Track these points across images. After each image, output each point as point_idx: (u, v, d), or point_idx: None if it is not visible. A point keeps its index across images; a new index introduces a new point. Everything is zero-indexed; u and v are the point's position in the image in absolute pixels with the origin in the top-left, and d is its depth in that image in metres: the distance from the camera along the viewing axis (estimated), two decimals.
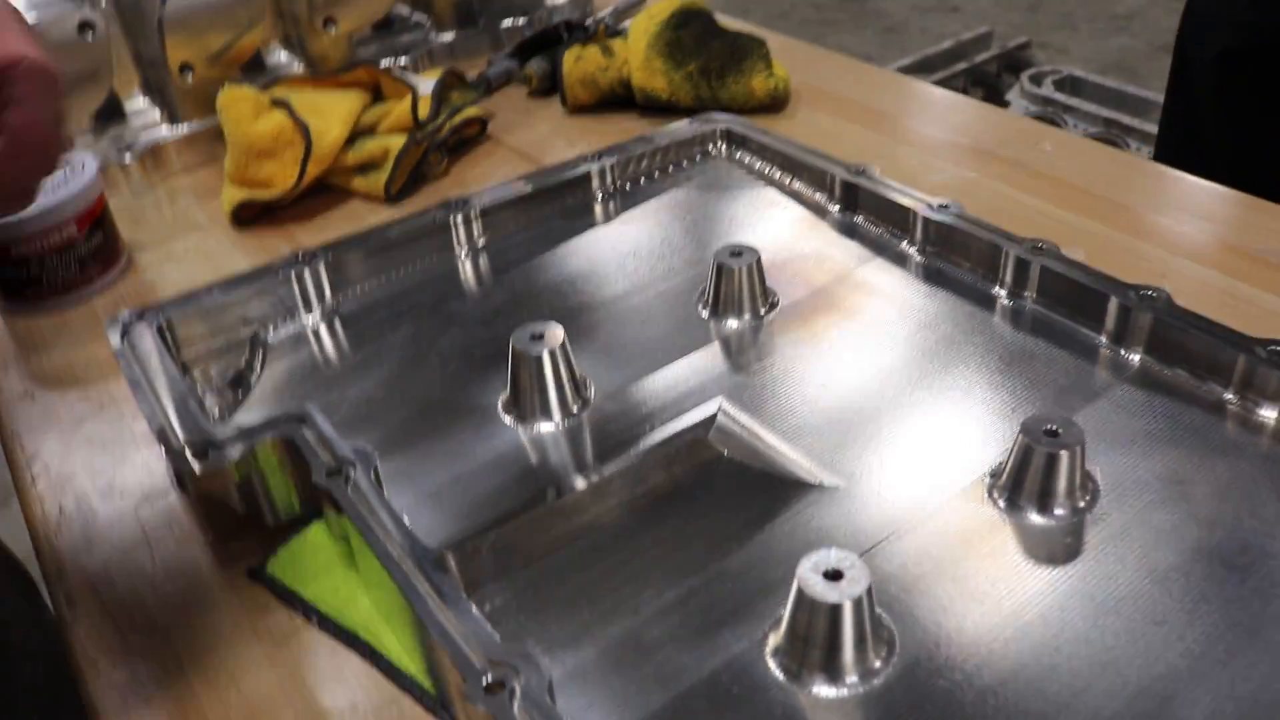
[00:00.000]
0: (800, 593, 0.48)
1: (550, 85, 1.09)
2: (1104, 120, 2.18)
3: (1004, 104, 2.39)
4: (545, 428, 0.65)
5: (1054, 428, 0.56)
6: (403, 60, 1.15)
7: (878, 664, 0.49)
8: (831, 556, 0.49)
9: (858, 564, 0.48)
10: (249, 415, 0.69)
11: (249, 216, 0.96)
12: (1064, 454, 0.55)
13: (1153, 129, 2.13)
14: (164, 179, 1.05)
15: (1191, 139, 1.27)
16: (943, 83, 2.46)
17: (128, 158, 1.03)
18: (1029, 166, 0.91)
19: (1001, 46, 2.56)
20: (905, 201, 0.78)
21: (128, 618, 0.58)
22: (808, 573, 0.48)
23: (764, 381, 0.67)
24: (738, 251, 0.73)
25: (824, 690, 0.48)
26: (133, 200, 1.03)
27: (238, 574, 0.60)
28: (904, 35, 3.54)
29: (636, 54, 1.01)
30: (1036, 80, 2.34)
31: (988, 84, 2.48)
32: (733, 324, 0.73)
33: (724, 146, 0.93)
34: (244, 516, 0.63)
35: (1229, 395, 0.63)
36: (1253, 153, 1.20)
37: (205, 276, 0.77)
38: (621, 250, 0.82)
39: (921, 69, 2.52)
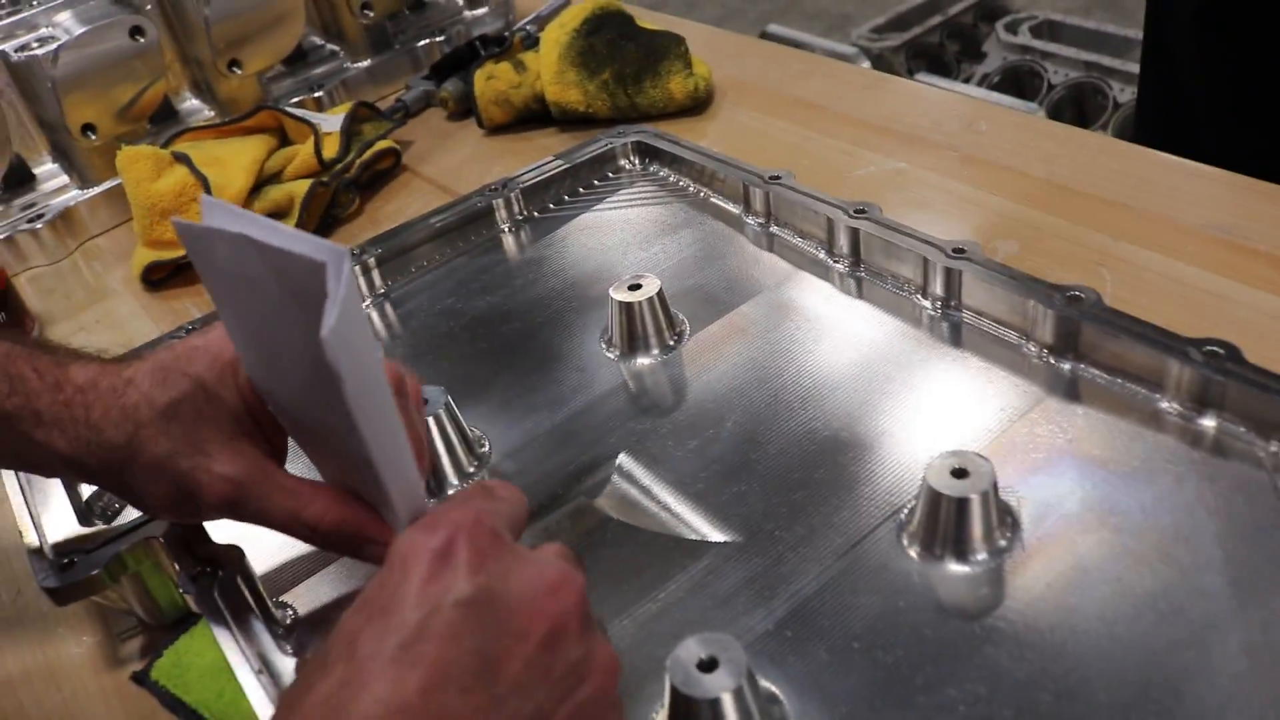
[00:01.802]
0: (674, 689, 0.44)
1: (468, 106, 1.04)
2: (1084, 64, 2.10)
3: (981, 55, 2.31)
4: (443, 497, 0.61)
5: (962, 467, 0.52)
6: (318, 93, 1.10)
7: None
8: (705, 642, 0.44)
9: (733, 646, 0.44)
10: None
11: (160, 278, 0.93)
12: (974, 498, 0.51)
13: (1136, 69, 2.04)
14: (79, 243, 1.02)
15: (1172, 106, 1.20)
16: (919, 39, 2.38)
17: (39, 225, 1.00)
18: (962, 150, 0.85)
19: None
20: (823, 209, 0.73)
21: None
22: (682, 664, 0.44)
23: (669, 426, 0.63)
24: (637, 284, 0.68)
25: None
26: (48, 268, 1.00)
27: (125, 679, 0.57)
28: None
29: (548, 67, 0.97)
30: (1012, 28, 2.26)
31: (965, 36, 2.40)
32: (639, 362, 0.68)
33: (637, 161, 0.88)
34: (133, 615, 0.60)
35: (1165, 404, 0.58)
36: (1238, 116, 1.12)
37: (114, 348, 0.74)
38: (528, 287, 0.78)
39: (897, 26, 2.44)
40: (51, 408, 0.49)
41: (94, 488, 0.67)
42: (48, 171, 1.06)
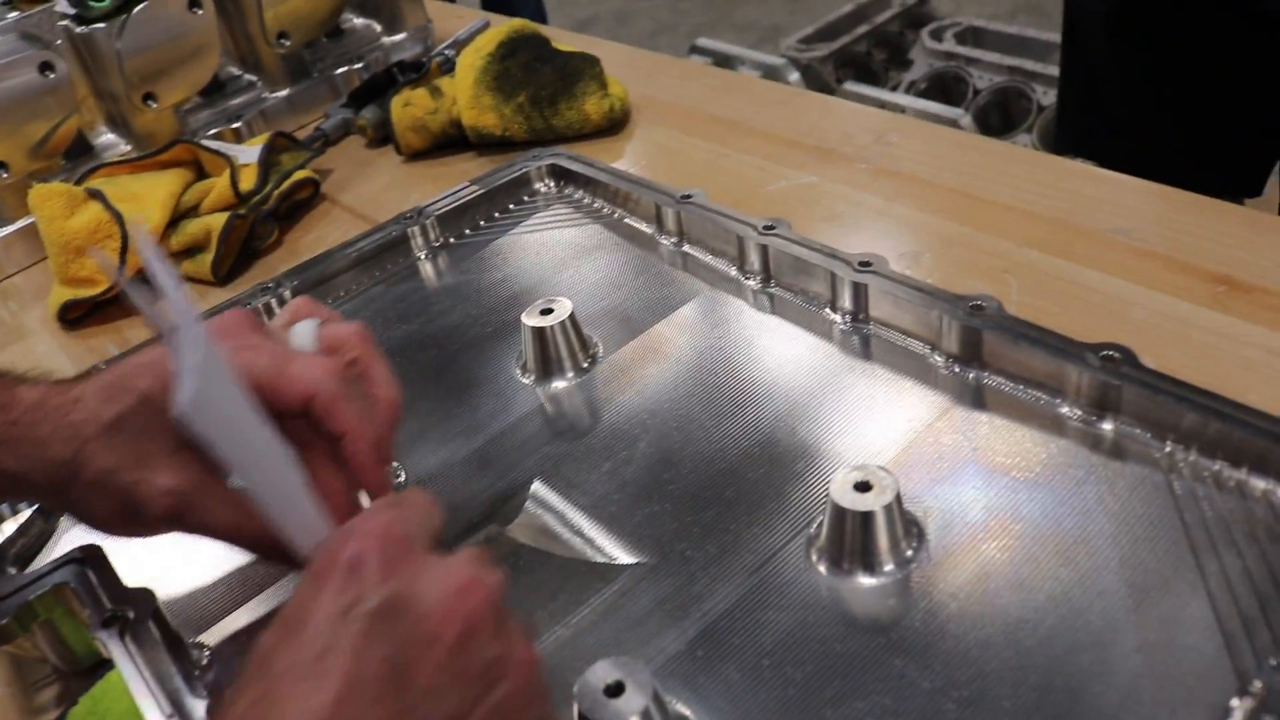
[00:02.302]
0: (583, 716, 0.44)
1: (386, 133, 1.04)
2: (1008, 69, 2.14)
3: (908, 63, 2.34)
4: None
5: (865, 480, 0.52)
6: (236, 124, 1.09)
7: None
8: (611, 668, 0.45)
9: (639, 670, 0.45)
10: (71, 538, 0.65)
11: (77, 316, 0.91)
12: (878, 511, 0.51)
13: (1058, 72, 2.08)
14: None
15: (1090, 108, 1.22)
16: (846, 49, 2.41)
17: None
18: (873, 162, 0.87)
19: (902, 4, 2.51)
20: (733, 227, 0.74)
21: None
22: (590, 689, 0.44)
23: (584, 449, 0.63)
24: (549, 308, 0.68)
25: None
26: None
27: None
28: (811, 3, 3.49)
29: (464, 91, 0.97)
30: (937, 35, 2.29)
31: (891, 44, 2.44)
32: (554, 385, 0.69)
33: (551, 184, 0.89)
34: (48, 663, 0.59)
35: (1066, 409, 0.59)
36: (1153, 117, 1.14)
37: None
38: (445, 314, 0.78)
39: (825, 36, 2.47)
40: (0, 428, 0.49)
41: (9, 532, 0.66)
42: None
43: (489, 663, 0.39)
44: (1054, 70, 2.09)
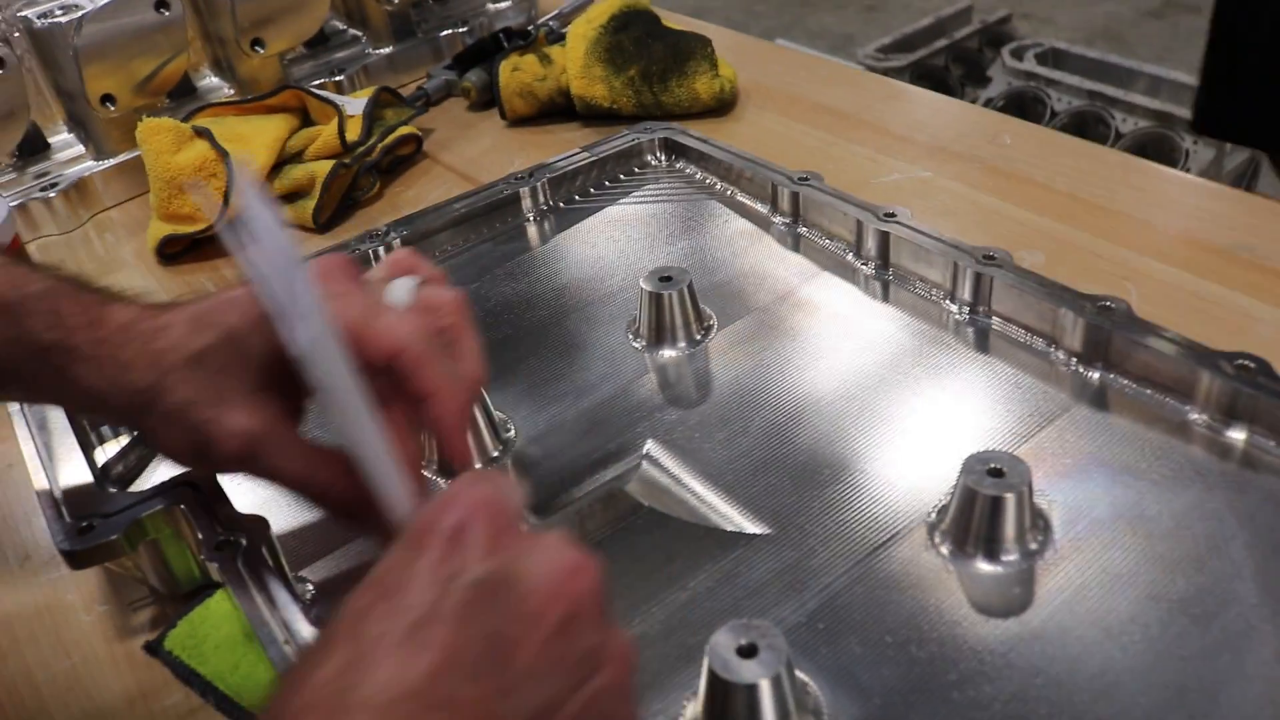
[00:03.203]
0: (712, 671, 0.44)
1: (490, 97, 1.04)
2: (1088, 93, 2.11)
3: (986, 80, 2.32)
4: None
5: (998, 466, 0.52)
6: (338, 78, 1.10)
7: None
8: (747, 628, 0.44)
9: (775, 635, 0.44)
10: (167, 467, 0.65)
11: (175, 251, 0.92)
12: (1009, 496, 0.51)
13: (1138, 100, 2.07)
14: (91, 214, 1.01)
15: (1236, 89, 1.21)
16: (924, 61, 2.39)
17: (52, 194, 0.99)
18: (986, 162, 0.86)
19: (982, 21, 2.49)
20: (852, 211, 0.73)
21: (16, 700, 0.55)
22: (719, 649, 0.44)
23: (695, 418, 0.63)
24: (667, 276, 0.68)
25: None
26: (59, 238, 0.99)
27: (136, 649, 0.56)
28: (886, 13, 3.47)
29: (575, 61, 0.97)
30: (1018, 54, 2.27)
31: (969, 60, 2.42)
32: (666, 354, 0.68)
33: (663, 157, 0.88)
34: (145, 584, 0.59)
35: (1194, 415, 0.58)
36: None
37: None
38: (553, 276, 0.78)
39: (902, 48, 2.45)
40: (87, 344, 0.48)
41: (111, 453, 0.66)
42: (62, 141, 1.05)
43: (589, 651, 0.37)
44: (1134, 98, 2.08)
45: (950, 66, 2.41)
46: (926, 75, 2.39)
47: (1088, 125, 2.12)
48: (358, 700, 0.32)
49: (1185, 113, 1.99)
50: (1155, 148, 2.01)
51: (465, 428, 0.50)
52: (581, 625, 0.36)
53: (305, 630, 0.50)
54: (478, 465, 0.61)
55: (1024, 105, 2.21)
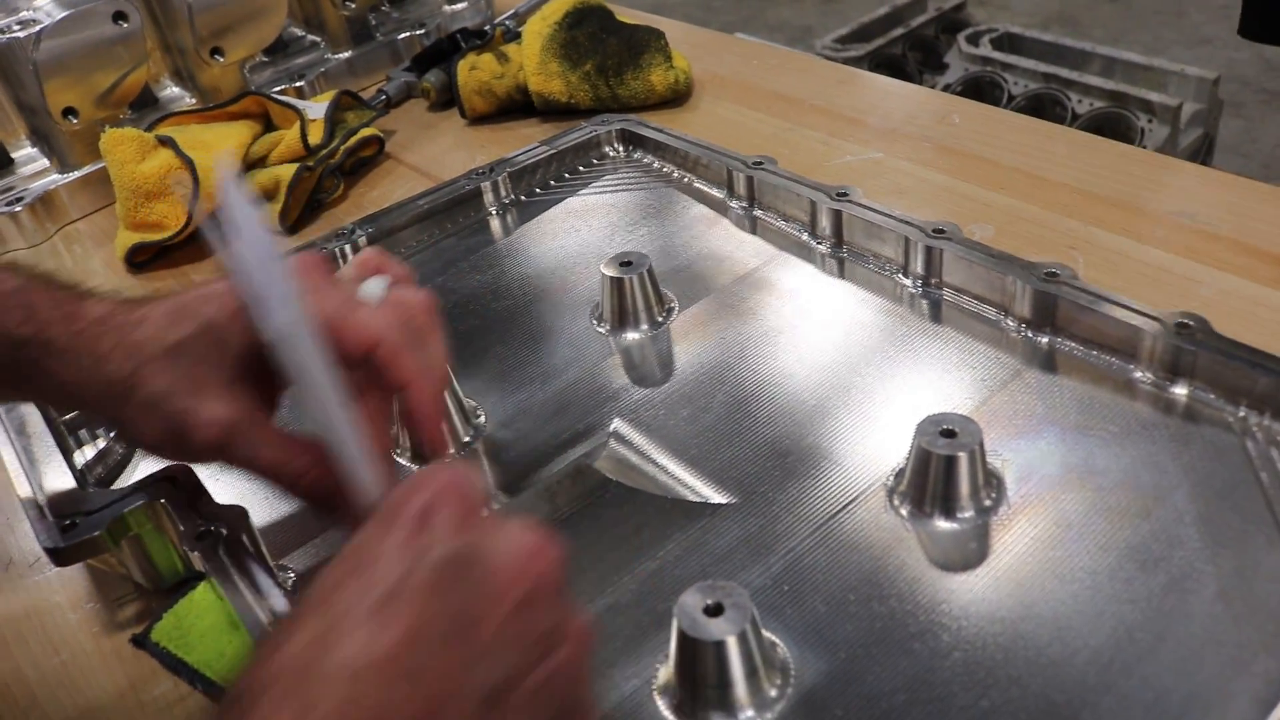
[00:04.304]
0: (681, 631, 0.45)
1: (449, 97, 1.05)
2: (1043, 75, 2.15)
3: (944, 67, 2.35)
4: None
5: (950, 428, 0.54)
6: (299, 83, 1.11)
7: (773, 693, 0.47)
8: (709, 590, 0.46)
9: (739, 594, 0.46)
10: (148, 464, 0.66)
11: (144, 260, 0.93)
12: (962, 455, 0.53)
13: (1093, 81, 2.10)
14: (59, 227, 1.02)
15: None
16: (881, 50, 2.42)
17: (18, 208, 0.99)
18: (936, 141, 0.88)
19: (938, 9, 2.52)
20: (805, 193, 0.75)
21: (8, 698, 0.56)
22: (686, 609, 0.46)
23: (660, 397, 0.65)
24: (627, 261, 0.70)
25: None
26: (27, 251, 1.00)
27: (123, 643, 0.57)
28: (843, 4, 3.50)
29: (531, 57, 0.98)
30: (973, 40, 2.31)
31: (926, 47, 2.45)
32: (629, 336, 0.70)
33: (621, 148, 0.90)
34: (129, 580, 0.60)
35: (1139, 373, 0.60)
36: None
37: None
38: (517, 266, 0.79)
39: (860, 38, 2.48)
40: (62, 338, 0.49)
41: (90, 456, 0.67)
42: (25, 155, 1.06)
43: (548, 629, 0.38)
44: (1090, 79, 2.11)
45: (908, 54, 2.44)
46: (884, 64, 2.42)
47: (1044, 108, 2.15)
48: (326, 669, 0.33)
49: (1139, 92, 2.03)
50: (1112, 128, 2.04)
51: (441, 416, 0.52)
52: (541, 604, 0.37)
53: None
54: (451, 451, 0.63)
55: (981, 90, 2.24)
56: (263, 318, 0.43)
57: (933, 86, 2.33)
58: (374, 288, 0.53)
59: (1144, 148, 1.95)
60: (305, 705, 0.33)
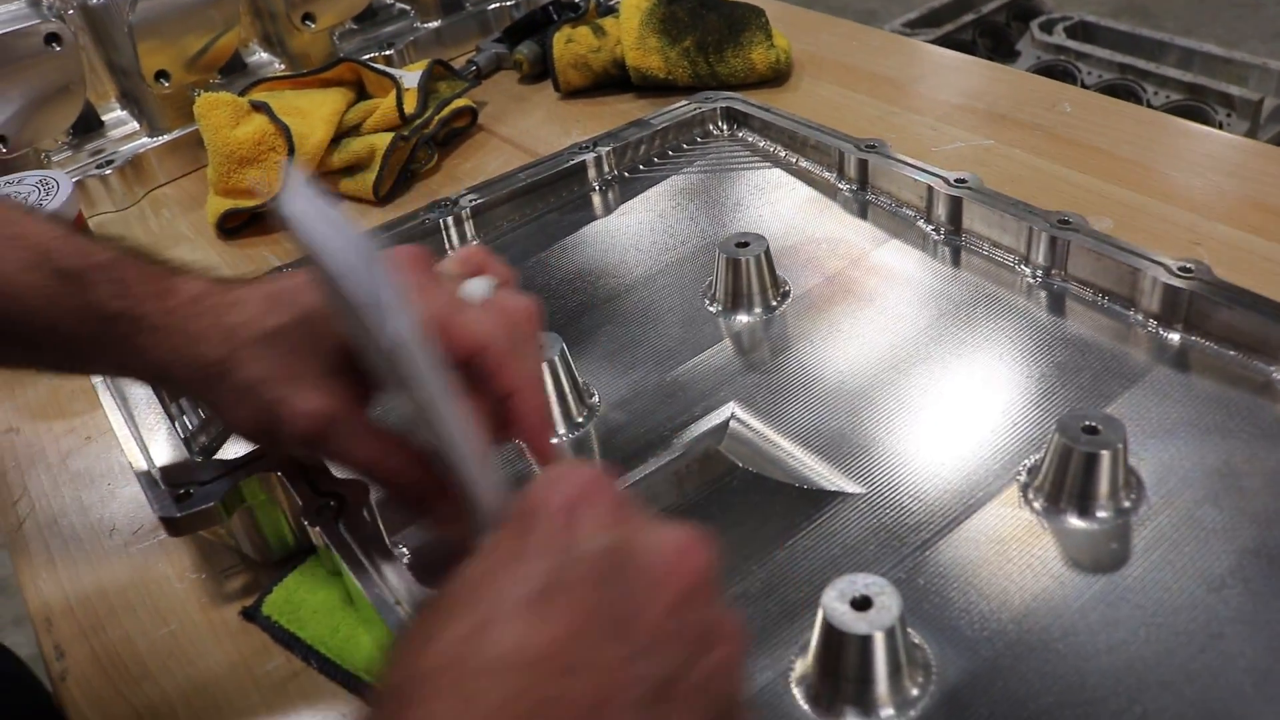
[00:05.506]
0: (827, 624, 0.44)
1: (542, 69, 1.04)
2: (1119, 66, 2.11)
3: (1014, 54, 2.31)
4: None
5: (1093, 424, 0.52)
6: (388, 52, 1.10)
7: (915, 692, 0.46)
8: (858, 582, 0.45)
9: (887, 589, 0.45)
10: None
11: (235, 226, 0.92)
12: (1104, 454, 0.51)
13: (1170, 72, 2.06)
14: (146, 190, 1.02)
15: None
16: (951, 35, 2.38)
17: (108, 170, 0.99)
18: (1047, 129, 0.86)
19: None
20: (920, 177, 0.74)
21: (119, 667, 0.55)
22: (833, 601, 0.45)
23: (778, 381, 0.63)
24: (744, 242, 0.68)
25: None
26: (115, 215, 1.00)
27: (232, 615, 0.57)
28: None
29: (629, 32, 0.97)
30: (1046, 28, 2.26)
31: (997, 34, 2.41)
32: (743, 319, 0.69)
33: (725, 126, 0.89)
34: (237, 552, 0.60)
35: (1278, 375, 0.58)
36: None
37: None
38: (623, 244, 0.78)
39: (928, 23, 2.44)
40: (154, 315, 0.48)
41: (193, 425, 0.67)
42: (115, 118, 1.06)
43: (706, 626, 0.36)
44: (1165, 70, 2.07)
45: (978, 40, 2.40)
46: (954, 48, 2.37)
47: (1118, 98, 2.10)
48: (486, 663, 0.32)
49: (1217, 85, 1.99)
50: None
51: (549, 425, 0.50)
52: (699, 601, 0.36)
53: (418, 592, 0.50)
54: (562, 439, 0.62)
55: (1053, 78, 2.20)
56: (372, 325, 0.39)
57: None
58: (478, 288, 0.51)
59: None
60: (466, 700, 0.31)
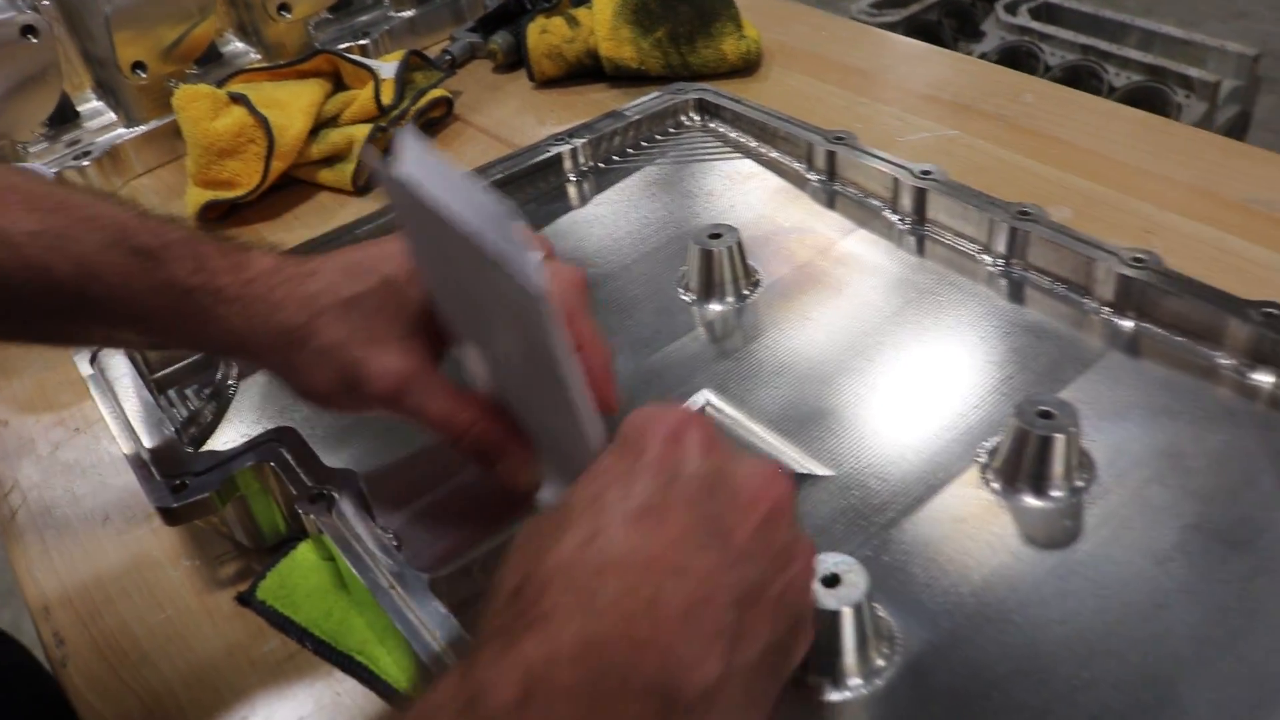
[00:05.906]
0: None
1: (516, 59, 1.06)
2: (1081, 47, 2.14)
3: (979, 35, 2.34)
4: None
5: (1048, 409, 0.55)
6: (363, 41, 1.11)
7: (880, 662, 0.49)
8: (828, 561, 0.48)
9: (855, 567, 0.47)
10: (232, 429, 0.68)
11: (215, 217, 0.94)
12: (1059, 437, 0.54)
13: (1131, 54, 2.09)
14: (125, 181, 1.03)
15: None
16: (917, 16, 2.41)
17: (85, 162, 1.00)
18: (1011, 120, 0.89)
19: None
20: (887, 169, 0.76)
21: (119, 652, 0.57)
22: None
23: (750, 368, 0.66)
24: (717, 233, 0.71)
25: (829, 696, 0.48)
26: None
27: (226, 600, 0.59)
28: None
29: (603, 22, 0.99)
30: (1011, 9, 2.30)
31: (962, 15, 2.44)
32: (716, 307, 0.71)
33: (698, 117, 0.91)
34: (230, 539, 0.62)
35: (1223, 360, 0.62)
36: None
37: None
38: (598, 234, 0.80)
39: (894, 3, 2.47)
40: (232, 286, 0.52)
41: (179, 419, 0.69)
42: (91, 109, 1.07)
43: (787, 543, 0.41)
44: (1127, 52, 2.11)
45: (944, 21, 2.43)
46: (920, 30, 2.41)
47: (1080, 79, 2.14)
48: (603, 564, 0.37)
49: (1177, 66, 2.03)
50: (1148, 102, 2.04)
51: (613, 376, 0.54)
52: (781, 521, 0.41)
53: (410, 574, 0.52)
54: None
55: (1017, 59, 2.24)
56: (516, 274, 0.40)
57: (968, 54, 2.32)
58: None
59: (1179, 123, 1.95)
60: (588, 594, 0.36)
